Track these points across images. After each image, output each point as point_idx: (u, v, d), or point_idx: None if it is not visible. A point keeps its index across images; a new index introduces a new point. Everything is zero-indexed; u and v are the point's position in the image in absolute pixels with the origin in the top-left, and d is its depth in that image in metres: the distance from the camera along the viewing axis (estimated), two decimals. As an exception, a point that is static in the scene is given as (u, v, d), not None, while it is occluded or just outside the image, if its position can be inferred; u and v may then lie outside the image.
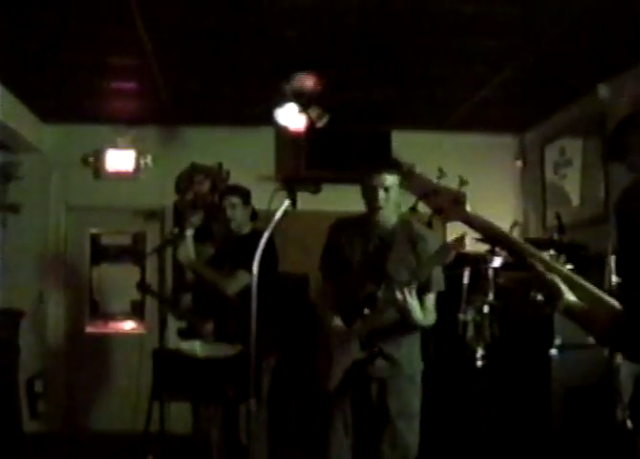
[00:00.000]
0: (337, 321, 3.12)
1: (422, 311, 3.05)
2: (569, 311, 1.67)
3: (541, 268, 1.70)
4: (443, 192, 1.80)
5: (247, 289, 3.79)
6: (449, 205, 1.79)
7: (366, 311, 3.05)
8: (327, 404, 3.15)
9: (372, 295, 3.05)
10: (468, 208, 1.79)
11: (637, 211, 1.49)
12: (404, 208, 3.10)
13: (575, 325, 1.70)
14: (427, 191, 1.81)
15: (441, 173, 1.86)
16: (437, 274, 3.15)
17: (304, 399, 5.38)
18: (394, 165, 3.20)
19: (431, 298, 3.14)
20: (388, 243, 3.12)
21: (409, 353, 3.17)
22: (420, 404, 3.18)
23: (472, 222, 1.79)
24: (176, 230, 4.17)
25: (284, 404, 5.24)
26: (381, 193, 3.05)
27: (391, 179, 3.05)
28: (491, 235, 1.82)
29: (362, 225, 3.20)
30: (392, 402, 3.08)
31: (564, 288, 1.68)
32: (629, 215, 1.50)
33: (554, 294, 1.68)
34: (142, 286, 4.40)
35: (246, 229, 4.06)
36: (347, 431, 3.13)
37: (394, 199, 3.08)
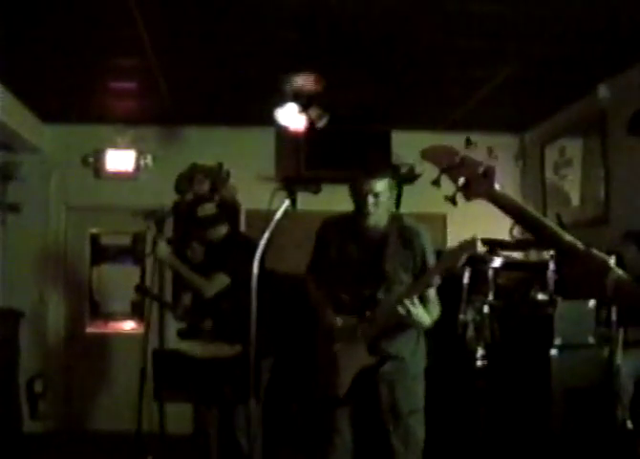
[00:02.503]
0: (340, 321, 3.08)
1: (426, 308, 3.03)
2: (620, 287, 1.53)
3: (582, 247, 1.55)
4: (470, 164, 1.62)
5: (226, 290, 3.85)
6: (476, 178, 1.60)
7: (367, 313, 3.02)
8: (331, 410, 3.11)
9: (372, 297, 3.03)
10: (497, 186, 1.62)
11: None
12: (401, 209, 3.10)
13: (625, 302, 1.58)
14: (452, 163, 1.62)
15: (469, 143, 1.73)
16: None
17: (305, 401, 5.38)
18: (386, 169, 3.19)
19: (431, 292, 3.10)
20: (382, 242, 3.09)
21: (415, 351, 3.16)
22: (424, 395, 3.19)
23: (499, 200, 1.61)
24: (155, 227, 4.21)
25: (284, 406, 5.24)
26: (371, 199, 3.03)
27: (381, 184, 3.04)
28: (520, 217, 1.64)
29: (353, 225, 3.16)
30: (402, 400, 3.07)
31: (611, 261, 1.54)
32: None
33: (601, 268, 1.54)
34: (141, 289, 4.39)
35: (222, 232, 4.09)
36: (351, 437, 3.11)
37: (384, 203, 3.06)
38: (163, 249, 3.97)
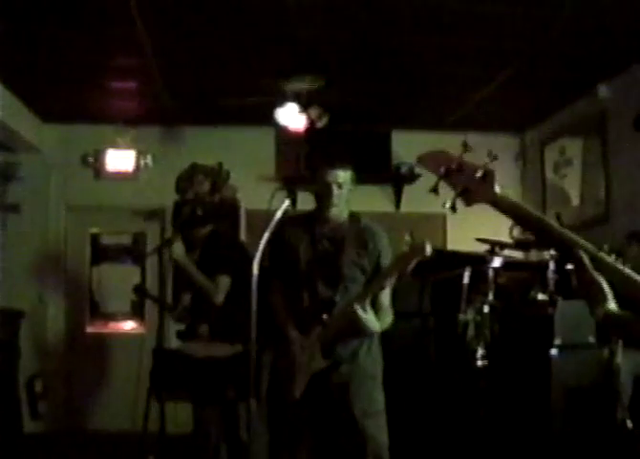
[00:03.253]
0: (294, 333, 3.02)
1: (378, 313, 2.95)
2: (608, 320, 1.46)
3: (587, 262, 1.46)
4: (469, 169, 1.55)
5: (233, 291, 3.84)
6: (476, 183, 1.54)
7: (325, 317, 2.94)
8: (288, 414, 3.04)
9: (330, 301, 2.96)
10: (497, 189, 1.55)
11: None
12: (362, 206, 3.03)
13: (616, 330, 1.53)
14: (450, 168, 1.56)
15: (466, 147, 1.62)
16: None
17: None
18: (348, 160, 3.14)
19: (384, 297, 3.01)
20: (339, 241, 3.03)
21: (369, 352, 3.06)
22: (384, 399, 3.07)
23: (501, 204, 1.54)
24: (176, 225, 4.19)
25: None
26: (335, 190, 3.00)
27: (344, 175, 3.02)
28: (523, 220, 1.57)
29: (310, 222, 3.09)
30: (356, 403, 2.98)
31: (608, 292, 1.45)
32: None
33: (596, 298, 1.46)
34: (140, 290, 4.37)
35: (205, 231, 4.09)
36: (309, 441, 3.04)
37: (345, 196, 3.03)
38: (178, 249, 3.95)
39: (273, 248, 3.12)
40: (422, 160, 1.65)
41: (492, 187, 1.53)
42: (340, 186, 3.01)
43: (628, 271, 1.46)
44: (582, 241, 1.49)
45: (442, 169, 1.56)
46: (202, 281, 3.91)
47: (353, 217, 3.12)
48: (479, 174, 1.53)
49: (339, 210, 3.04)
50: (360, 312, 2.83)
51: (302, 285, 3.04)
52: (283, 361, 3.07)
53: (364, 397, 3.00)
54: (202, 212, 4.11)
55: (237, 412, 3.78)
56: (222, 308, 3.87)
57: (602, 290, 1.45)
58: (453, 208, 1.56)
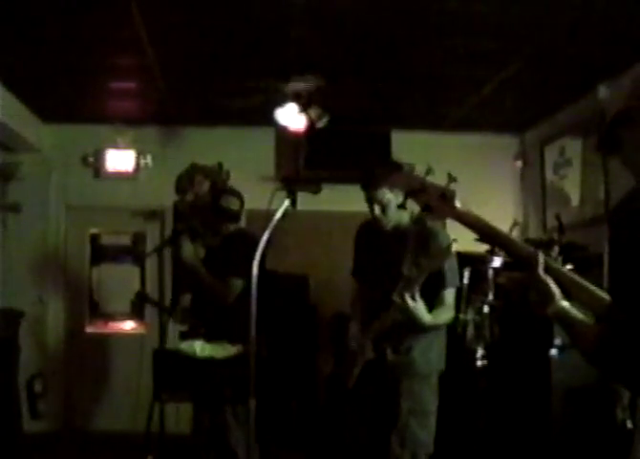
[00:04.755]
0: (354, 329, 3.22)
1: (436, 309, 3.06)
2: (559, 317, 1.62)
3: (538, 268, 1.65)
4: (431, 189, 1.76)
5: (242, 293, 3.80)
6: (437, 201, 1.75)
7: (382, 314, 3.07)
8: (345, 402, 3.21)
9: (387, 297, 3.04)
10: (458, 205, 1.75)
11: (624, 225, 1.45)
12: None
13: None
14: (414, 188, 1.78)
15: (430, 170, 1.83)
16: (452, 270, 3.16)
17: (303, 398, 5.38)
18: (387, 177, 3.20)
19: (447, 295, 3.13)
20: (403, 243, 3.12)
21: (425, 352, 3.15)
22: (437, 403, 3.17)
23: (463, 219, 1.74)
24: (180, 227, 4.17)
25: (282, 405, 5.24)
26: (377, 208, 3.11)
27: (388, 196, 3.06)
28: (484, 233, 1.76)
29: (377, 227, 3.23)
30: (404, 400, 3.08)
31: (556, 292, 1.63)
32: (617, 228, 1.47)
33: (545, 297, 1.64)
34: (141, 296, 4.35)
35: (231, 229, 4.06)
36: (361, 428, 3.16)
37: (392, 211, 3.10)
38: (188, 250, 3.93)
39: (356, 256, 3.42)
40: (391, 181, 2.14)
41: (453, 205, 1.74)
42: (382, 205, 3.10)
43: (582, 280, 1.69)
44: (537, 251, 1.69)
45: (408, 188, 1.82)
46: (210, 282, 3.88)
47: (419, 220, 3.17)
48: (438, 193, 1.75)
49: (392, 221, 3.15)
50: (409, 300, 2.91)
51: (373, 286, 3.22)
52: (346, 356, 3.26)
53: (412, 395, 3.10)
54: (239, 208, 4.09)
55: (226, 418, 3.74)
56: (225, 309, 3.85)
57: (549, 289, 1.64)
58: (417, 222, 1.99)
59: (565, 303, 1.63)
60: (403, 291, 2.92)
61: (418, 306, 2.95)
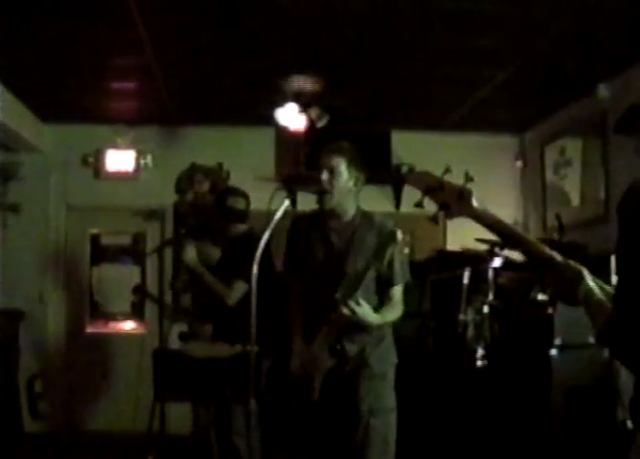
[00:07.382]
0: (298, 346, 3.03)
1: (385, 306, 2.97)
2: (588, 297, 1.63)
3: (559, 258, 1.68)
4: (448, 188, 1.77)
5: (246, 296, 3.78)
6: (454, 200, 1.77)
7: (332, 315, 2.90)
8: (308, 416, 3.05)
9: (332, 296, 2.91)
10: (475, 204, 1.76)
11: (636, 211, 1.48)
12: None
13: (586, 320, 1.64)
14: (432, 186, 1.79)
15: (447, 169, 1.83)
16: (402, 266, 3.04)
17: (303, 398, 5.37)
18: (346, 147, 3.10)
19: (396, 292, 3.02)
20: (348, 239, 3.00)
21: (377, 351, 3.03)
22: (395, 397, 3.05)
23: (479, 218, 1.76)
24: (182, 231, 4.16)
25: (283, 406, 5.23)
26: (324, 175, 2.96)
27: (337, 160, 2.97)
28: (500, 232, 1.79)
29: (320, 219, 3.06)
30: (363, 400, 2.96)
31: (585, 272, 1.66)
32: (629, 215, 1.49)
33: (575, 278, 1.65)
34: (140, 290, 4.35)
35: (241, 229, 4.04)
36: (328, 436, 3.03)
37: (342, 184, 2.96)
38: (191, 253, 3.93)
39: (289, 245, 3.15)
40: (409, 178, 1.97)
41: (470, 204, 1.76)
42: (331, 172, 2.96)
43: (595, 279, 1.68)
44: (553, 253, 1.70)
45: (426, 187, 1.80)
46: (213, 283, 3.87)
47: (366, 214, 3.06)
48: (456, 192, 1.77)
49: (338, 201, 2.97)
50: (354, 306, 2.80)
51: (316, 286, 3.02)
52: (295, 365, 3.06)
53: (370, 394, 2.98)
54: (245, 207, 4.05)
55: (231, 415, 3.74)
56: (226, 309, 3.85)
57: (579, 269, 1.65)
58: (435, 221, 1.84)
59: (592, 283, 1.66)
60: (346, 291, 2.82)
61: (364, 310, 2.85)
